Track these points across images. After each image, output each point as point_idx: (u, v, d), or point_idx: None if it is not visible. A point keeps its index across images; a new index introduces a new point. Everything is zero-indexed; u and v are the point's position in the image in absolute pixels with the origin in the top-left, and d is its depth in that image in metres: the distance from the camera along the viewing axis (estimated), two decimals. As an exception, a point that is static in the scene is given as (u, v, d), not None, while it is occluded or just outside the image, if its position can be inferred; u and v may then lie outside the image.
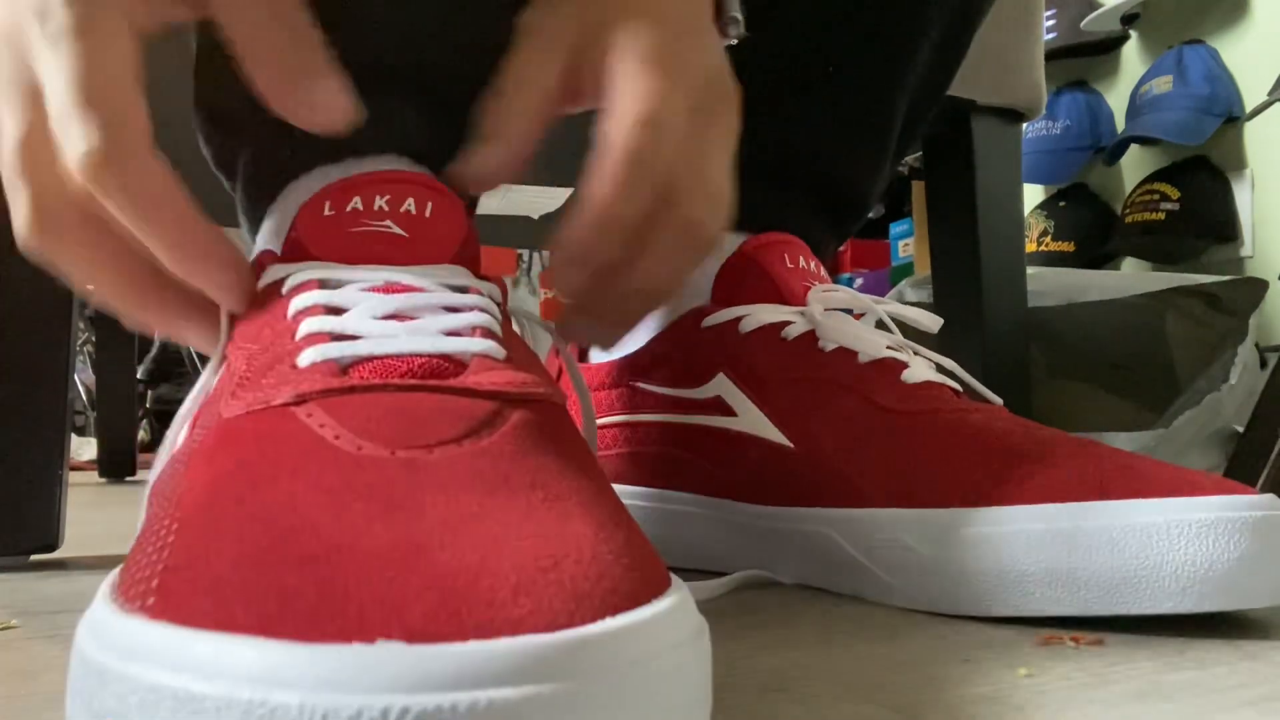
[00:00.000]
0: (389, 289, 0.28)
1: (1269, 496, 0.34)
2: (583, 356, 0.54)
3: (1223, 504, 0.33)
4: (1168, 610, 0.33)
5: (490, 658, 0.15)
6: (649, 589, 0.18)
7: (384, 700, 0.14)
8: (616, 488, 0.48)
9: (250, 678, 0.15)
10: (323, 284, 0.29)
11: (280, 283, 0.30)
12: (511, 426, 0.24)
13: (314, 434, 0.23)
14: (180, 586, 0.18)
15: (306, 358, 0.26)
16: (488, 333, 0.28)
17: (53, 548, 0.50)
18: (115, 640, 0.18)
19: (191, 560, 0.19)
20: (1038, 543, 0.35)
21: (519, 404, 0.25)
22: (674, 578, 0.21)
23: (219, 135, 0.39)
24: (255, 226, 0.38)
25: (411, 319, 0.27)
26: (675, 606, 0.18)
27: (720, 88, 0.35)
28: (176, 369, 2.09)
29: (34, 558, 0.50)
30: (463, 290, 0.30)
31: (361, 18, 0.34)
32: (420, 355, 0.26)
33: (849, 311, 0.46)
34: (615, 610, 0.17)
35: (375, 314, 0.27)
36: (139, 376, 1.79)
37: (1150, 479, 0.34)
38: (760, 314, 0.45)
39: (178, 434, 0.29)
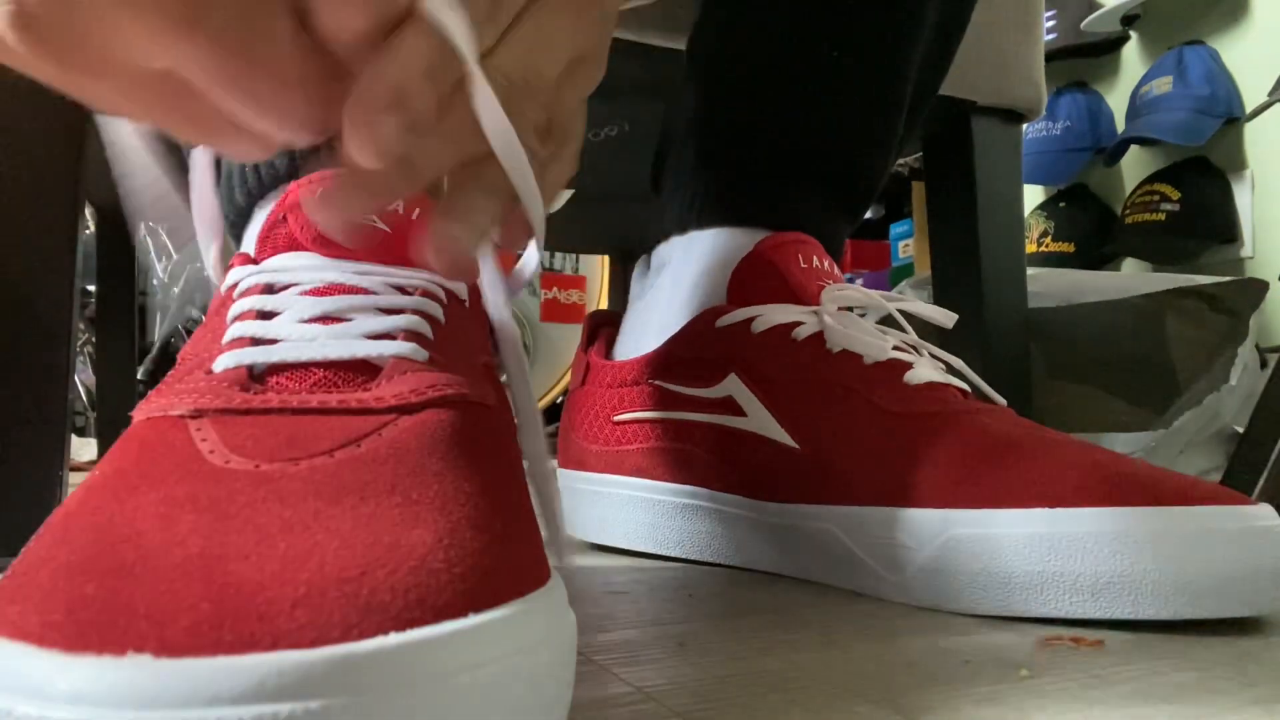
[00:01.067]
0: (326, 291, 0.28)
1: (1256, 507, 0.34)
2: (609, 354, 0.54)
3: (1207, 515, 0.33)
4: (1154, 616, 0.33)
5: (230, 674, 0.14)
6: (479, 599, 0.18)
7: (113, 715, 0.14)
8: (637, 481, 0.50)
9: (7, 686, 0.15)
10: (268, 288, 0.29)
11: (235, 286, 0.30)
12: (401, 431, 0.24)
13: (193, 448, 0.23)
14: (4, 592, 0.18)
15: (221, 363, 0.26)
16: (413, 335, 0.28)
17: (53, 548, 0.50)
18: None
19: (29, 567, 0.19)
20: (1028, 546, 0.35)
21: (422, 409, 0.25)
22: (546, 585, 0.21)
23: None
24: (237, 233, 0.38)
25: (340, 321, 0.27)
26: (496, 621, 0.17)
27: None
28: (177, 369, 2.08)
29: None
30: (407, 291, 0.30)
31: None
32: (334, 360, 0.26)
33: (862, 311, 0.46)
34: (411, 624, 0.16)
35: (302, 317, 0.27)
36: (139, 376, 1.79)
37: (1142, 487, 0.34)
38: (772, 315, 0.45)
39: None
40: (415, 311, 0.29)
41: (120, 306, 1.10)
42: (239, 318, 0.28)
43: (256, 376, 0.26)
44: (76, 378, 1.62)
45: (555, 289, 1.94)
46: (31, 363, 0.49)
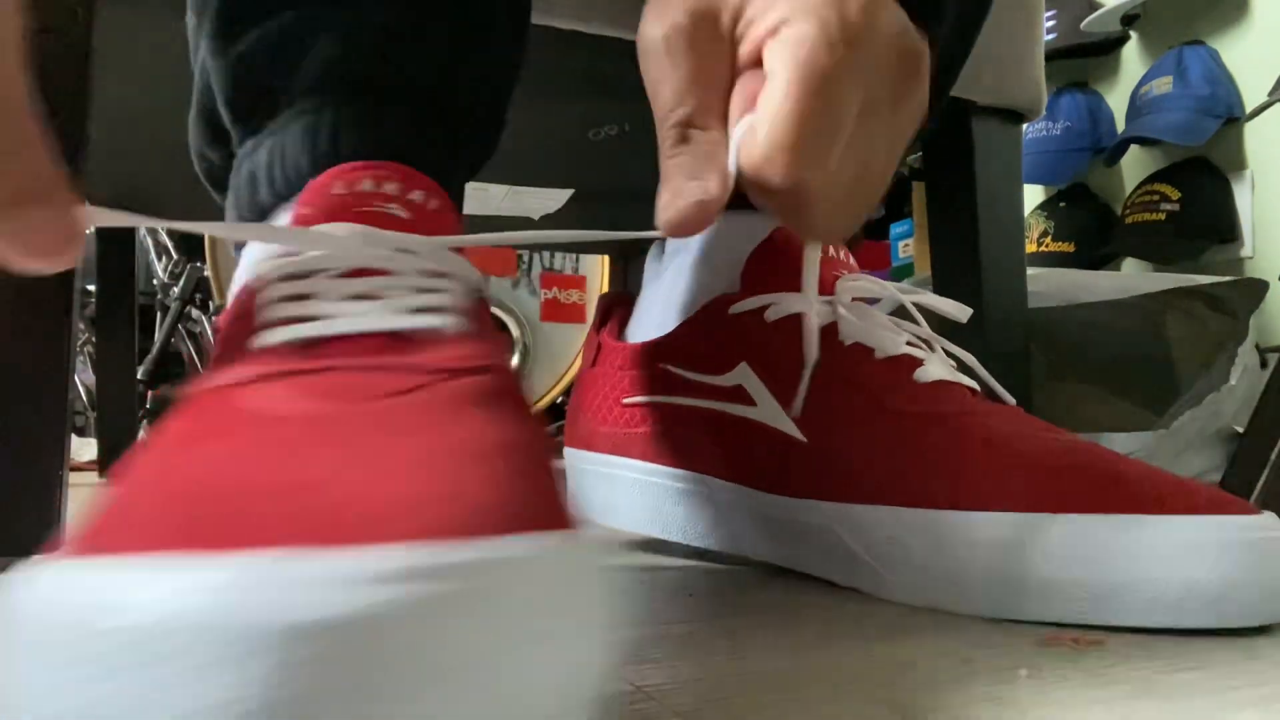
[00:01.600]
0: (359, 274, 0.29)
1: (1261, 517, 0.34)
2: (621, 336, 0.55)
3: (1212, 524, 0.33)
4: (1155, 624, 0.33)
5: (387, 559, 0.16)
6: (556, 520, 0.19)
7: (292, 596, 0.15)
8: (642, 464, 0.50)
9: (158, 595, 0.16)
10: (298, 275, 0.29)
11: (261, 277, 0.30)
12: (445, 387, 0.25)
13: (249, 405, 0.24)
14: (101, 529, 0.19)
15: (267, 339, 0.27)
16: (448, 309, 0.29)
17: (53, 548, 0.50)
18: (42, 585, 0.18)
19: (116, 510, 0.20)
20: (1027, 551, 0.35)
21: (465, 374, 0.26)
22: (578, 527, 0.22)
23: (217, 151, 0.39)
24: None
25: (378, 298, 0.28)
26: (563, 541, 0.19)
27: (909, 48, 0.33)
28: (176, 369, 2.09)
29: (34, 558, 0.50)
30: (436, 274, 0.30)
31: (349, 29, 0.36)
32: (378, 332, 0.27)
33: (875, 301, 0.46)
34: (513, 530, 0.17)
35: (341, 294, 0.28)
36: (139, 376, 1.79)
37: (1146, 494, 0.34)
38: (786, 303, 0.45)
39: None
40: (446, 289, 0.30)
41: (120, 306, 1.10)
42: (277, 300, 0.28)
43: (301, 350, 0.26)
44: (76, 378, 1.62)
45: (555, 289, 1.93)
46: (31, 363, 0.49)
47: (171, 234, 2.15)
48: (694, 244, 0.51)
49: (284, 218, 0.36)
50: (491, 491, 0.19)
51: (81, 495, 0.89)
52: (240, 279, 0.32)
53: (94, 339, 1.19)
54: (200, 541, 0.17)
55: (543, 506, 0.20)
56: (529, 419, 0.27)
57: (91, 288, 1.12)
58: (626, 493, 0.51)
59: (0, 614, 0.18)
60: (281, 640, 0.15)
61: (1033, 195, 2.05)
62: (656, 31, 0.32)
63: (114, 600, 0.16)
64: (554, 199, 0.93)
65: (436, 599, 0.16)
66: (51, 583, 0.18)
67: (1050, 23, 1.88)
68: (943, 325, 0.48)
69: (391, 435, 0.21)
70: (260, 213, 0.37)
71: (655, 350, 0.50)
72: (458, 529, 0.17)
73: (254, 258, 0.33)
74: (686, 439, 0.48)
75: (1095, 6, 1.87)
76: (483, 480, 0.19)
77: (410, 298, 0.28)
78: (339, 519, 0.17)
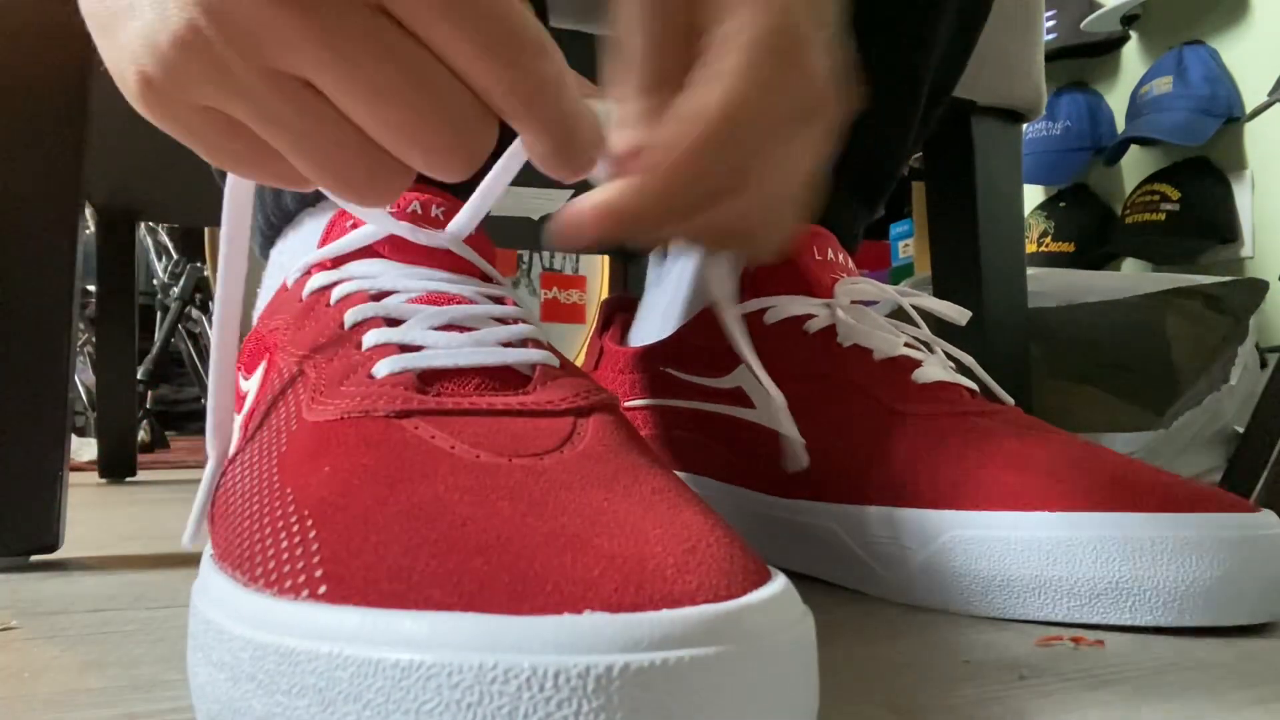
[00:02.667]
0: (435, 299, 0.29)
1: (1256, 515, 0.34)
2: (623, 340, 0.55)
3: (1208, 522, 0.33)
4: (1153, 623, 0.33)
5: (684, 622, 0.17)
6: (764, 569, 0.20)
7: (606, 660, 0.16)
8: None
9: (474, 646, 0.17)
10: (372, 296, 0.30)
11: (327, 292, 0.31)
12: (593, 433, 0.26)
13: (428, 443, 0.24)
14: (355, 574, 0.19)
15: (381, 368, 0.27)
16: (538, 343, 0.29)
17: (53, 548, 0.50)
18: (290, 625, 0.19)
19: (353, 552, 0.20)
20: (1027, 550, 0.35)
21: (590, 411, 0.27)
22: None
23: None
24: (269, 241, 0.38)
25: (468, 329, 0.29)
26: (788, 585, 0.20)
27: (824, 93, 0.30)
28: (176, 369, 2.09)
29: (34, 558, 0.50)
30: (500, 301, 0.31)
31: None
32: (486, 367, 0.27)
33: (874, 304, 0.46)
34: (753, 585, 0.19)
35: (432, 324, 0.28)
36: (139, 377, 1.79)
37: (1142, 492, 0.34)
38: (785, 306, 0.45)
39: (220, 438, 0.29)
40: (524, 320, 0.30)
41: (120, 306, 1.10)
42: (364, 325, 0.29)
43: (420, 379, 0.27)
44: (76, 378, 1.62)
45: (555, 289, 1.94)
46: (31, 363, 0.49)
47: (171, 234, 2.15)
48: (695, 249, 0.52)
49: (310, 223, 0.36)
50: (724, 543, 0.20)
51: (82, 495, 0.88)
52: (282, 281, 0.31)
53: (94, 339, 1.19)
54: (500, 598, 0.18)
55: (746, 547, 0.21)
56: (647, 446, 0.27)
57: (91, 288, 1.12)
58: None
59: (260, 652, 0.19)
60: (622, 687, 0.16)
61: (1033, 195, 2.05)
62: None
63: (429, 663, 0.17)
64: (554, 199, 0.93)
65: (730, 655, 0.17)
66: (320, 629, 0.18)
67: (1050, 23, 1.88)
68: (943, 326, 0.48)
69: (604, 489, 0.22)
70: (285, 215, 0.37)
71: (655, 353, 0.50)
72: (728, 588, 0.18)
73: (298, 264, 0.33)
74: (687, 441, 0.48)
75: (1095, 6, 1.87)
76: (705, 529, 0.20)
77: (500, 330, 0.29)
78: (637, 574, 0.18)
